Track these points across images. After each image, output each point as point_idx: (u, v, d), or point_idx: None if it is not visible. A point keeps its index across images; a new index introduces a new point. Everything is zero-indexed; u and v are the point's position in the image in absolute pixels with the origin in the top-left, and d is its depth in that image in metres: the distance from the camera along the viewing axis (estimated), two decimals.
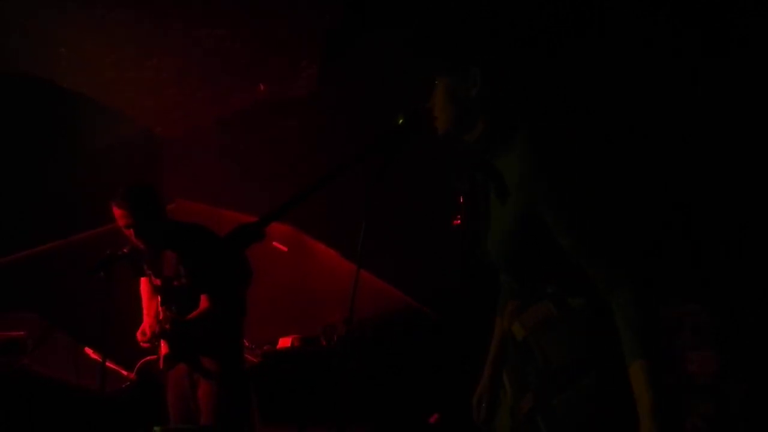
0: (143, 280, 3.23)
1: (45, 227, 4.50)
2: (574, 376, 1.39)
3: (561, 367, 1.41)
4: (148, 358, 3.26)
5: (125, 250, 2.91)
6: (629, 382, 1.29)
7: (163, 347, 3.04)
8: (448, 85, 1.54)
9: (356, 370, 3.94)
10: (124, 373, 3.66)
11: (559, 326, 1.43)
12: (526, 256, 1.48)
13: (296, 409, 3.88)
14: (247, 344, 3.53)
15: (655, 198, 3.11)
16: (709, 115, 3.08)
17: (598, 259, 1.36)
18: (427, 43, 1.63)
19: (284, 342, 4.29)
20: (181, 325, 2.86)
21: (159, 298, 3.13)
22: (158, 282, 3.05)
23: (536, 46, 3.18)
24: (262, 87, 5.07)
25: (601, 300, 1.38)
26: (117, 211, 2.88)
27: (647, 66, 3.18)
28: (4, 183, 4.29)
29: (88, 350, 3.64)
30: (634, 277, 1.33)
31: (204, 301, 2.90)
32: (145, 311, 3.21)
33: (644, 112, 3.18)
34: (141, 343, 3.09)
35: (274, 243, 4.87)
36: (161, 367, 3.10)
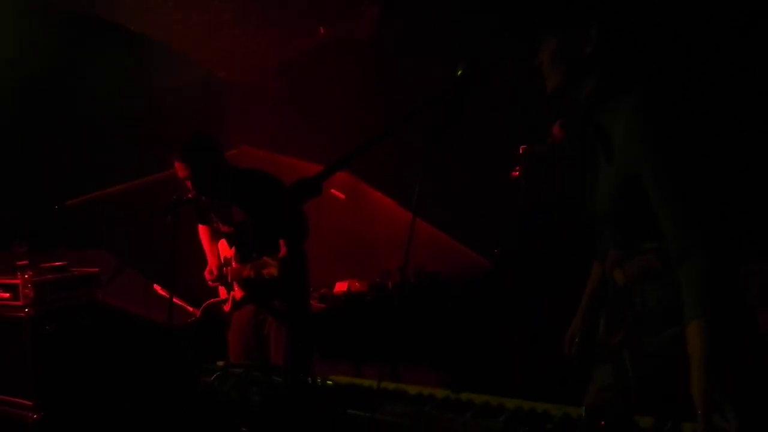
0: (201, 228, 3.35)
1: (115, 170, 4.69)
2: (665, 322, 1.48)
3: (655, 313, 1.51)
4: (212, 300, 3.41)
5: (190, 195, 3.00)
6: None
7: (236, 290, 3.16)
8: (559, 42, 1.55)
9: (411, 315, 4.02)
10: (190, 309, 3.84)
11: (660, 278, 1.50)
12: (629, 213, 1.52)
13: (353, 348, 4.01)
14: None
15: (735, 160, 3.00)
16: None
17: (680, 219, 1.37)
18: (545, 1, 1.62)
19: (340, 286, 4.39)
20: (286, 268, 2.91)
21: (222, 242, 3.24)
22: (227, 229, 3.14)
23: (655, 6, 3.05)
24: (322, 30, 5.04)
25: None
26: (176, 165, 2.96)
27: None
28: (75, 128, 4.46)
29: (157, 287, 3.83)
30: (710, 242, 1.33)
31: (282, 246, 2.99)
32: (208, 254, 3.34)
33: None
34: (209, 282, 3.22)
35: (332, 190, 4.93)
36: (227, 309, 3.24)
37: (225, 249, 3.24)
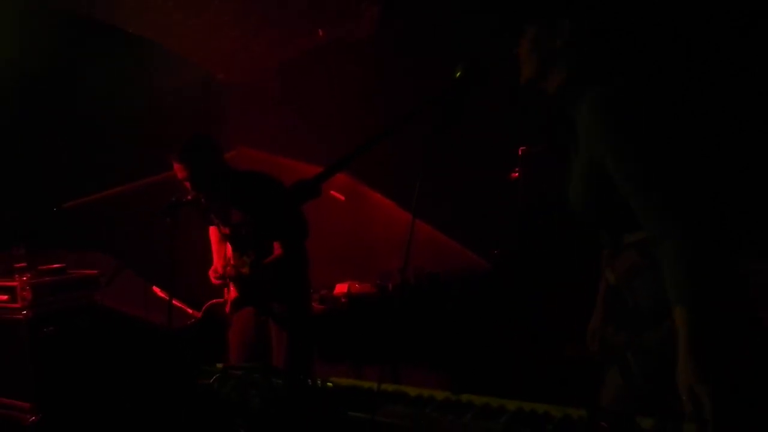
0: (212, 228, 3.35)
1: (115, 170, 4.68)
2: (658, 318, 1.46)
3: (648, 309, 1.49)
4: (214, 300, 3.40)
5: (189, 197, 3.00)
6: None
7: (232, 291, 3.16)
8: (534, 34, 1.58)
9: (411, 316, 4.01)
10: (189, 311, 3.83)
11: (645, 273, 1.48)
12: (602, 206, 1.51)
13: (353, 350, 4.01)
14: None
15: (727, 155, 2.99)
16: None
17: (651, 203, 1.35)
18: None
19: (340, 288, 4.39)
20: (259, 269, 2.97)
21: (228, 244, 3.24)
22: (227, 230, 3.14)
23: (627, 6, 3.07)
24: (321, 33, 5.04)
25: None
26: (175, 166, 2.95)
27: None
28: (75, 128, 4.46)
29: (156, 289, 3.82)
30: (685, 228, 1.30)
31: (277, 248, 3.00)
32: (215, 254, 3.34)
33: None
34: (213, 280, 3.23)
35: (332, 192, 4.93)
36: (227, 310, 3.24)
37: (230, 250, 3.25)
